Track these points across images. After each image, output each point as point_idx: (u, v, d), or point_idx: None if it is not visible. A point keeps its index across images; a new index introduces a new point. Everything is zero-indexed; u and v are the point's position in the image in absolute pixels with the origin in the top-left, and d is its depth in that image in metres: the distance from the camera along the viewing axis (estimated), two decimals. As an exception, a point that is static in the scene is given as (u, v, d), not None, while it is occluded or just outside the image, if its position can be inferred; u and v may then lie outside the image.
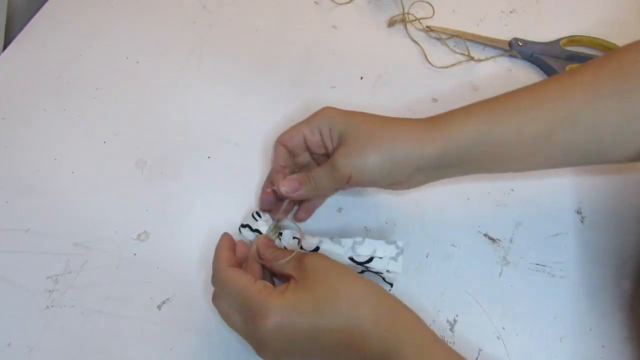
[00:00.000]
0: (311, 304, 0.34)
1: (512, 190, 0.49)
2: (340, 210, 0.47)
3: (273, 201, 0.44)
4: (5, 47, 0.55)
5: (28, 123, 0.50)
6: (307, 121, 0.42)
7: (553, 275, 0.45)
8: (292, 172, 0.44)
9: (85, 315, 0.40)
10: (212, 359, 0.39)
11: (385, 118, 0.41)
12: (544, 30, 0.61)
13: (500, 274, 0.44)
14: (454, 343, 0.41)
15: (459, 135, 0.39)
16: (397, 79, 0.56)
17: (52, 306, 0.40)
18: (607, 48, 0.59)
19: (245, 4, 0.61)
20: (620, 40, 0.59)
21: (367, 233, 0.46)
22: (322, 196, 0.46)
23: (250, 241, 0.42)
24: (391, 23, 0.61)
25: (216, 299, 0.37)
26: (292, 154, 0.44)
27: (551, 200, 0.49)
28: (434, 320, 0.42)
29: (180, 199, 0.47)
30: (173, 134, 0.50)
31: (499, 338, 0.41)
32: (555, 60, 0.57)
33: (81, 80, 0.53)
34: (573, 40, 0.60)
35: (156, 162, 0.48)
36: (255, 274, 0.38)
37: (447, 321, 0.42)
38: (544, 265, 0.45)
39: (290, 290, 0.34)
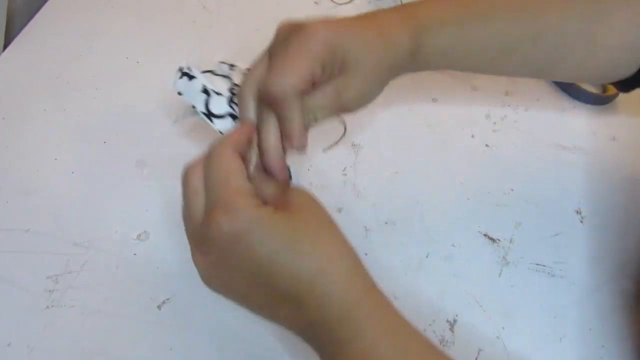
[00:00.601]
0: (287, 232, 0.29)
1: (512, 190, 0.49)
2: (340, 210, 0.47)
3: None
4: (5, 47, 0.55)
5: (28, 123, 0.50)
6: (304, 55, 0.33)
7: (553, 275, 0.45)
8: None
9: (85, 315, 0.40)
10: (212, 359, 0.39)
11: (369, 24, 0.37)
12: (543, 30, 0.60)
13: (500, 274, 0.44)
14: (454, 343, 0.41)
15: (435, 41, 0.38)
16: (397, 79, 0.56)
17: (52, 306, 0.40)
18: (607, 48, 0.59)
19: (245, 4, 0.61)
20: (620, 40, 0.59)
21: (367, 233, 0.46)
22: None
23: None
24: (391, 23, 0.60)
25: (190, 167, 0.32)
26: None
27: (551, 200, 0.49)
28: (434, 320, 0.42)
29: (180, 199, 0.47)
30: (173, 134, 0.50)
31: (498, 338, 0.41)
32: (555, 60, 0.57)
33: (81, 80, 0.53)
34: (573, 40, 0.60)
35: (156, 162, 0.48)
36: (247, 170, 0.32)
37: (447, 321, 0.42)
38: (544, 265, 0.45)
39: (269, 209, 0.30)
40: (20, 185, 0.46)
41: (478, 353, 0.41)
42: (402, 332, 0.31)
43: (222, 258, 0.30)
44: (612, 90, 0.55)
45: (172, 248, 0.44)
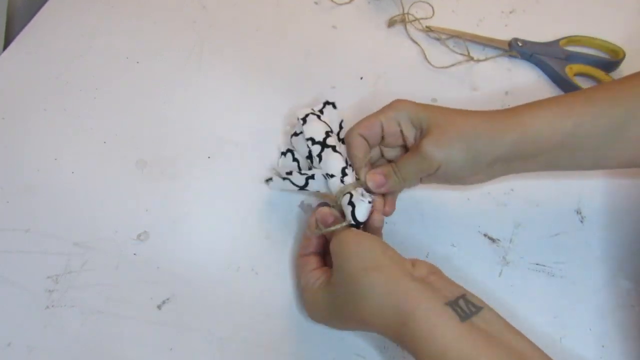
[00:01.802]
0: (329, 306, 0.37)
1: (512, 190, 0.49)
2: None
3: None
4: (5, 47, 0.55)
5: (28, 123, 0.50)
6: (383, 112, 0.42)
7: (553, 275, 0.45)
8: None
9: (85, 315, 0.40)
10: (212, 359, 0.39)
11: (461, 109, 0.42)
12: (543, 30, 0.61)
13: (500, 274, 0.44)
14: (454, 343, 0.41)
15: (535, 122, 0.39)
16: (397, 79, 0.56)
17: (52, 306, 0.40)
18: (607, 48, 0.59)
19: (245, 4, 0.61)
20: (620, 40, 0.59)
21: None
22: (403, 186, 0.44)
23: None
24: (391, 23, 0.61)
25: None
26: (369, 145, 0.43)
27: (551, 200, 0.49)
28: (434, 320, 0.42)
29: (180, 199, 0.47)
30: (173, 134, 0.50)
31: (499, 338, 0.41)
32: (554, 60, 0.57)
33: (81, 80, 0.53)
34: (572, 40, 0.60)
35: (156, 162, 0.48)
36: (312, 246, 0.41)
37: (447, 321, 0.42)
38: (544, 265, 0.45)
39: (319, 285, 0.38)
40: (20, 185, 0.46)
41: (478, 353, 0.41)
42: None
43: (317, 315, 0.40)
44: (612, 90, 0.55)
45: (172, 248, 0.44)
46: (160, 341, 0.40)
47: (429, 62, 0.57)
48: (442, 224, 0.47)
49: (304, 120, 0.45)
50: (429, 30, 0.60)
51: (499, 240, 0.46)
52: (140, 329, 0.40)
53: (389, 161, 0.45)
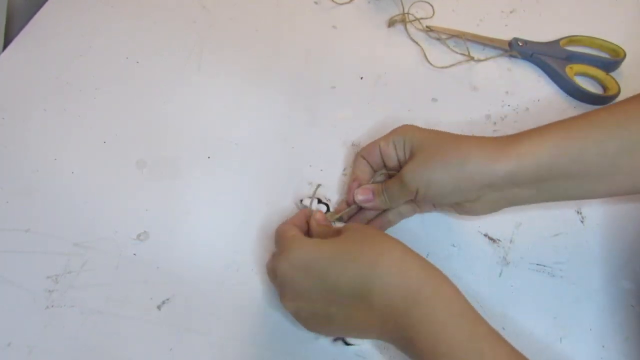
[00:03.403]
0: (334, 245, 0.35)
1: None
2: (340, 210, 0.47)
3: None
4: (5, 47, 0.55)
5: (28, 123, 0.50)
6: (386, 136, 0.44)
7: (553, 275, 0.45)
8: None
9: (85, 315, 0.40)
10: (212, 359, 0.39)
11: (458, 135, 0.41)
12: (544, 30, 0.60)
13: (500, 274, 0.44)
14: (454, 343, 0.41)
15: (534, 150, 0.38)
16: (397, 79, 0.56)
17: (52, 306, 0.40)
18: (607, 48, 0.59)
19: (245, 4, 0.61)
20: (620, 40, 0.59)
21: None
22: (397, 214, 0.45)
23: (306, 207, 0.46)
24: (391, 23, 0.61)
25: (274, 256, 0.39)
26: (372, 167, 0.45)
27: (551, 200, 0.49)
28: (434, 320, 0.42)
29: (180, 199, 0.47)
30: (173, 134, 0.50)
31: (499, 338, 0.41)
32: (555, 60, 0.57)
33: (81, 80, 0.53)
34: (573, 40, 0.60)
35: (156, 162, 0.48)
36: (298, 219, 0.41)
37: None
38: (544, 265, 0.45)
39: (315, 239, 0.37)
40: (20, 185, 0.46)
41: (478, 353, 0.41)
42: (469, 316, 0.33)
43: (295, 290, 0.36)
44: (612, 90, 0.55)
45: (172, 248, 0.44)
46: (160, 341, 0.40)
47: (429, 62, 0.57)
48: (443, 223, 0.47)
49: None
50: (429, 30, 0.60)
51: (499, 240, 0.46)
52: (140, 329, 0.40)
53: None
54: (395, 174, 0.44)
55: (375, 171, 0.45)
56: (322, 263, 0.35)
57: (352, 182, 0.45)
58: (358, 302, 0.34)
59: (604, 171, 0.38)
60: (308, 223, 0.42)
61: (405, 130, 0.43)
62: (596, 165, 0.38)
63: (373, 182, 0.45)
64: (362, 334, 0.37)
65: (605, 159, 0.37)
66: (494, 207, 0.41)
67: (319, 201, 0.46)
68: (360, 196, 0.43)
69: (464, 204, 0.41)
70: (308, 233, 0.41)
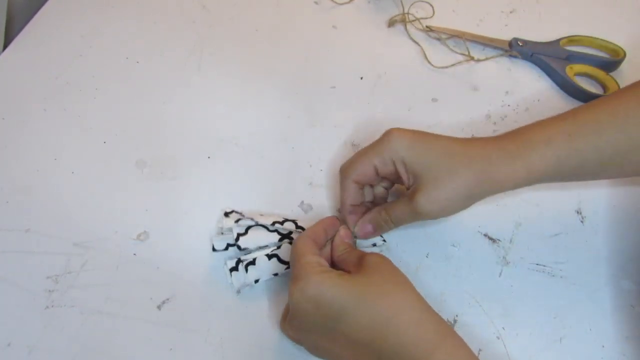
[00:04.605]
0: (353, 288, 0.34)
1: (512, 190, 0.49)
2: (339, 210, 0.47)
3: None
4: (5, 47, 0.55)
5: (28, 123, 0.50)
6: (376, 151, 0.40)
7: (553, 275, 0.44)
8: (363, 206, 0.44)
9: (85, 315, 0.40)
10: (212, 359, 0.39)
11: (458, 146, 0.40)
12: (544, 30, 0.61)
13: (500, 274, 0.44)
14: (454, 343, 0.41)
15: (539, 167, 0.39)
16: (397, 79, 0.56)
17: (52, 306, 0.40)
18: (607, 48, 0.59)
19: (245, 4, 0.61)
20: (620, 40, 0.59)
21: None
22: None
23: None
24: (391, 23, 0.61)
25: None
26: (362, 188, 0.43)
27: (551, 200, 0.49)
28: (434, 320, 0.42)
29: (180, 199, 0.47)
30: (173, 134, 0.50)
31: (499, 338, 0.41)
32: (555, 60, 0.57)
33: (81, 80, 0.53)
34: (573, 40, 0.60)
35: (156, 162, 0.48)
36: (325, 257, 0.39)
37: (447, 321, 0.42)
38: (544, 265, 0.45)
39: (338, 273, 0.35)
40: (20, 186, 0.46)
41: (478, 353, 0.41)
42: None
43: (302, 323, 0.35)
44: (612, 90, 0.55)
45: (172, 248, 0.44)
46: (160, 341, 0.40)
47: (429, 62, 0.57)
48: (442, 223, 0.46)
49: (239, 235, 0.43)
50: (429, 30, 0.60)
51: (499, 240, 0.46)
52: (140, 329, 0.40)
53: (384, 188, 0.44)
54: (389, 186, 0.43)
55: (363, 191, 0.43)
56: (337, 306, 0.33)
57: (350, 214, 0.42)
58: (366, 350, 0.34)
59: (597, 170, 0.40)
60: (325, 231, 0.40)
61: (399, 144, 0.39)
62: (592, 167, 0.40)
63: (365, 203, 0.43)
64: None
65: (601, 161, 0.39)
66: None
67: (296, 226, 0.43)
68: (360, 233, 0.42)
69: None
70: (323, 243, 0.40)
